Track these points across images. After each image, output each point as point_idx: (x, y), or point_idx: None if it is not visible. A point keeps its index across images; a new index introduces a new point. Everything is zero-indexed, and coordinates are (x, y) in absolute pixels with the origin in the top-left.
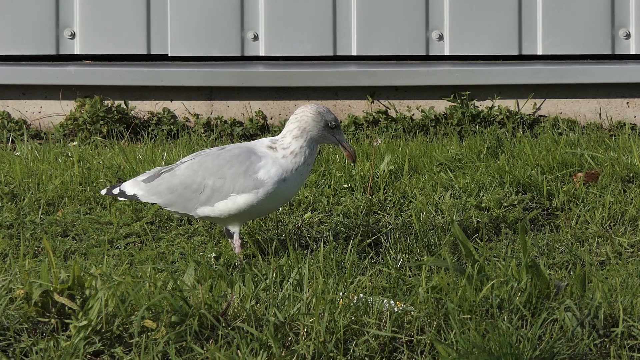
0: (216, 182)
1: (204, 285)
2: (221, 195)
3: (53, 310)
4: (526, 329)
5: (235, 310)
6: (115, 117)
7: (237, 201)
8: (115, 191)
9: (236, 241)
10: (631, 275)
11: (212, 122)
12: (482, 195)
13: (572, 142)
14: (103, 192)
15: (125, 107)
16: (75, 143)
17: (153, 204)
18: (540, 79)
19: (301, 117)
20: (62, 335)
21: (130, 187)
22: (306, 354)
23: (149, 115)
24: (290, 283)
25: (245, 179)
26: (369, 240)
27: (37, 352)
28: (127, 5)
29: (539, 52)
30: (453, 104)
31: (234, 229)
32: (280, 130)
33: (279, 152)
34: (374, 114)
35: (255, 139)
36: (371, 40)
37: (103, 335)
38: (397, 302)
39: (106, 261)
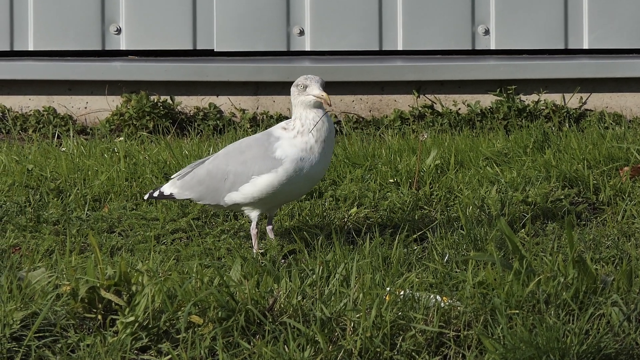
0: (238, 167)
1: (250, 281)
2: (243, 179)
3: (99, 306)
4: (573, 324)
5: (282, 305)
6: (161, 112)
7: (258, 183)
8: (156, 194)
9: (252, 229)
10: None
11: (258, 117)
12: (529, 190)
13: (618, 136)
14: (146, 197)
15: (171, 102)
16: (121, 138)
17: (189, 200)
18: (586, 73)
19: (291, 96)
20: (109, 331)
21: (168, 187)
22: (353, 349)
23: (195, 110)
24: (336, 278)
25: (264, 160)
26: (415, 236)
27: (84, 348)
28: (172, 0)
29: (585, 46)
30: (499, 98)
31: (253, 216)
32: None
33: (291, 133)
34: (420, 109)
35: None
36: (417, 34)
37: (150, 331)
38: (444, 298)
39: (152, 257)
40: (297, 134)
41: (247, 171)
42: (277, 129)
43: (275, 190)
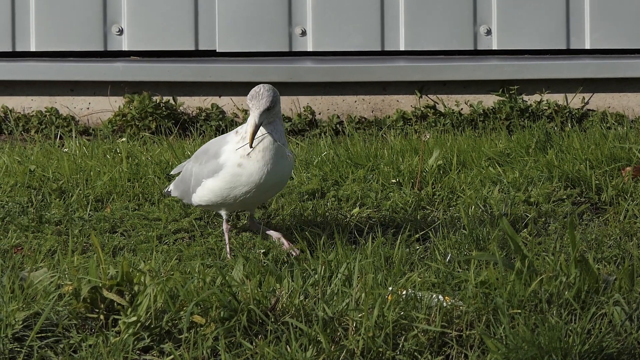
0: (196, 169)
1: (252, 281)
2: (199, 181)
3: (102, 306)
4: (575, 324)
5: (284, 305)
6: (164, 113)
7: (206, 186)
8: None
9: (223, 225)
10: None
11: None
12: (531, 190)
13: (620, 136)
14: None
15: (173, 102)
16: (123, 139)
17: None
18: (589, 73)
19: None
20: (111, 331)
21: (171, 185)
22: (355, 349)
23: (198, 111)
24: (338, 278)
25: (213, 164)
26: (417, 235)
27: (86, 349)
28: (175, 1)
29: (587, 46)
30: (501, 98)
31: (222, 214)
32: (328, 126)
33: (237, 137)
34: (422, 109)
35: (304, 135)
36: (419, 35)
37: (152, 331)
38: (446, 297)
39: (155, 257)
40: (240, 139)
41: (200, 173)
42: (231, 133)
43: (223, 194)
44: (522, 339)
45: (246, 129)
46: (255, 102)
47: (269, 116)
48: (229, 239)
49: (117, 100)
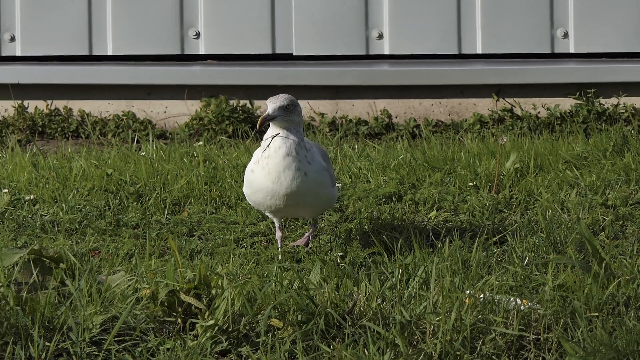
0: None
1: (329, 284)
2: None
3: (179, 309)
4: None
5: (362, 308)
6: (241, 116)
7: (244, 187)
8: None
9: (276, 233)
10: None
11: (337, 121)
12: (608, 193)
13: None
14: None
15: (250, 106)
16: (200, 143)
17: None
18: None
19: None
20: (189, 334)
21: None
22: (433, 352)
23: None
24: (416, 281)
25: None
26: (494, 239)
27: (163, 352)
28: (251, 5)
29: None
30: (578, 101)
31: (274, 221)
32: (405, 129)
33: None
34: (499, 112)
35: (380, 138)
36: (496, 37)
37: (230, 335)
38: (524, 300)
39: (232, 260)
40: (261, 146)
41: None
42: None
43: (250, 198)
44: (599, 342)
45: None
46: (273, 99)
47: (285, 120)
48: (281, 247)
49: (193, 104)
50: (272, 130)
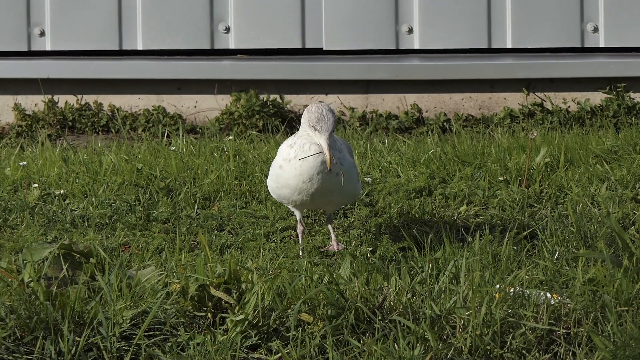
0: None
1: (359, 279)
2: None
3: (209, 304)
4: None
5: (391, 303)
6: (271, 111)
7: (268, 180)
8: None
9: (297, 227)
10: None
11: (367, 116)
12: (638, 188)
13: None
14: None
15: (280, 101)
16: (230, 137)
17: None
18: None
19: (303, 115)
20: (219, 329)
21: None
22: (463, 346)
23: (304, 109)
24: (446, 276)
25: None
26: (525, 233)
27: (193, 347)
28: None
29: None
30: (609, 95)
31: (295, 214)
32: (435, 124)
33: (292, 141)
34: (530, 107)
35: (410, 132)
36: (526, 32)
37: (260, 329)
38: (554, 295)
39: (262, 255)
40: (293, 144)
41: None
42: (294, 136)
43: (275, 193)
44: (629, 336)
45: (299, 138)
46: (323, 125)
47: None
48: (302, 240)
49: (223, 98)
50: (306, 139)
